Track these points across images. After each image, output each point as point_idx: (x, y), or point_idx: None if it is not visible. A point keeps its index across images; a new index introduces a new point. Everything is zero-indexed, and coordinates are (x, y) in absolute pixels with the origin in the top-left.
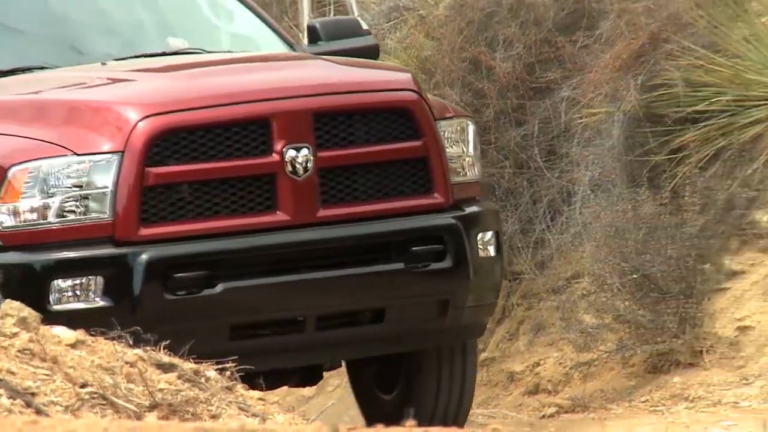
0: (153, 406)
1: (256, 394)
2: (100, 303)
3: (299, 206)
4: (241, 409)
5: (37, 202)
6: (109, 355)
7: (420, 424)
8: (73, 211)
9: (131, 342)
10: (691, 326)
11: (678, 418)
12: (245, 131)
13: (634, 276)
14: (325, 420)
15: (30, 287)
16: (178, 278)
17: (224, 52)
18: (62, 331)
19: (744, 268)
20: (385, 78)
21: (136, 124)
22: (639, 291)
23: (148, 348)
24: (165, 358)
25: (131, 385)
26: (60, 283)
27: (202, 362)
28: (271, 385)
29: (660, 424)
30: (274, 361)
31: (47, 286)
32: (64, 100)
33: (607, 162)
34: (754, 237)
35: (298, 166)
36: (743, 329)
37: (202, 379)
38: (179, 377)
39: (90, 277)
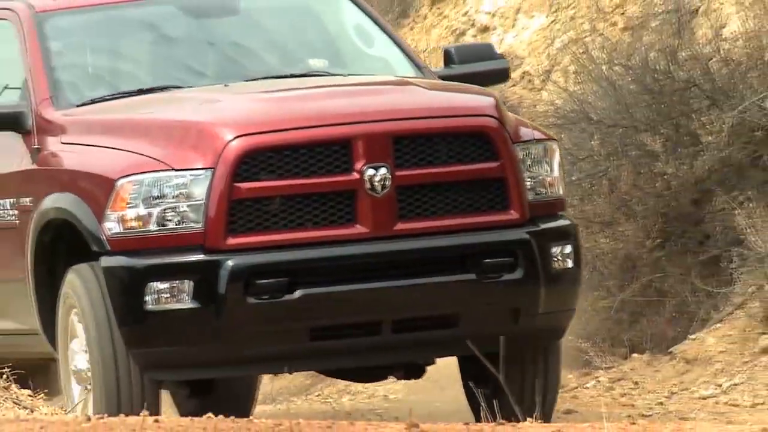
0: None
1: (26, 392)
2: (190, 305)
3: (377, 220)
4: (15, 403)
5: (140, 211)
6: None
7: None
8: (171, 221)
9: None
10: None
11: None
12: (328, 151)
13: None
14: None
15: (131, 288)
16: (261, 284)
17: (341, 75)
18: None
19: None
20: (466, 104)
21: (227, 144)
22: None
23: None
24: None
25: None
26: (156, 285)
27: None
28: (377, 377)
29: None
30: (352, 360)
31: (145, 288)
32: (168, 119)
33: None
34: None
35: (376, 183)
36: None
37: None
38: None
39: (182, 280)
